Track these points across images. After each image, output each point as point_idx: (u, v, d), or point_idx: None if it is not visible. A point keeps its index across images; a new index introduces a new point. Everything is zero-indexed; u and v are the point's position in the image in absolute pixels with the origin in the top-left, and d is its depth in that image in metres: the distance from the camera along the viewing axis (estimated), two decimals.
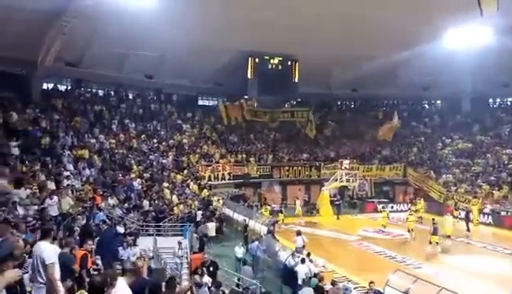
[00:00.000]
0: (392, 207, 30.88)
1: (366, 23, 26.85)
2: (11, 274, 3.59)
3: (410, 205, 29.58)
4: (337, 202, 30.57)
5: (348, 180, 31.94)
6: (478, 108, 39.16)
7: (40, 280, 6.11)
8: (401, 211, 30.56)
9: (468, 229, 24.13)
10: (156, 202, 22.01)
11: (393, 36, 27.83)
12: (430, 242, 19.85)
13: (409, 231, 22.73)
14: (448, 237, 21.32)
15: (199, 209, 23.39)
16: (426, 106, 43.12)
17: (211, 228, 21.55)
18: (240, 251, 16.93)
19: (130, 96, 33.98)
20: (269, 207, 28.10)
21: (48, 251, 6.21)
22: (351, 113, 41.75)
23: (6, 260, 3.84)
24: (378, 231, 24.78)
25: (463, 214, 26.06)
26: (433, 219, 21.80)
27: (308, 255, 15.58)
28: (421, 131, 39.51)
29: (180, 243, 16.11)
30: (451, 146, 36.59)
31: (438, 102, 42.55)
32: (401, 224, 26.12)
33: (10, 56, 23.96)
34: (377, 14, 25.61)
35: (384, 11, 25.44)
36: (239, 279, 14.33)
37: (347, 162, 32.55)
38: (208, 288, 11.50)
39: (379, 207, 29.89)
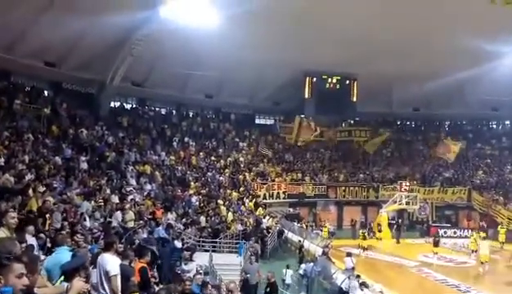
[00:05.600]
0: (454, 233, 29.31)
1: (429, 38, 25.99)
2: (79, 284, 3.82)
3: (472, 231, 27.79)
4: (396, 226, 29.42)
5: (407, 203, 30.76)
6: None
7: (102, 291, 6.45)
8: (466, 237, 28.84)
9: None
10: (212, 218, 22.42)
11: (460, 52, 26.37)
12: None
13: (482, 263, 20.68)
14: None
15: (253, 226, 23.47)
16: (494, 127, 40.85)
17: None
18: (288, 274, 16.25)
19: (190, 115, 35.17)
20: (327, 228, 27.63)
21: (111, 263, 6.52)
22: (411, 133, 40.44)
23: (79, 271, 4.09)
24: (439, 257, 23.60)
25: None
26: (437, 232, 25.14)
27: (358, 276, 15.15)
28: (487, 153, 37.40)
29: None
30: None
31: (507, 122, 40.14)
32: (464, 251, 24.68)
33: (83, 77, 26.05)
34: (442, 28, 24.78)
35: (450, 25, 24.47)
36: None
37: (406, 183, 31.44)
38: None
39: (441, 231, 28.42)
